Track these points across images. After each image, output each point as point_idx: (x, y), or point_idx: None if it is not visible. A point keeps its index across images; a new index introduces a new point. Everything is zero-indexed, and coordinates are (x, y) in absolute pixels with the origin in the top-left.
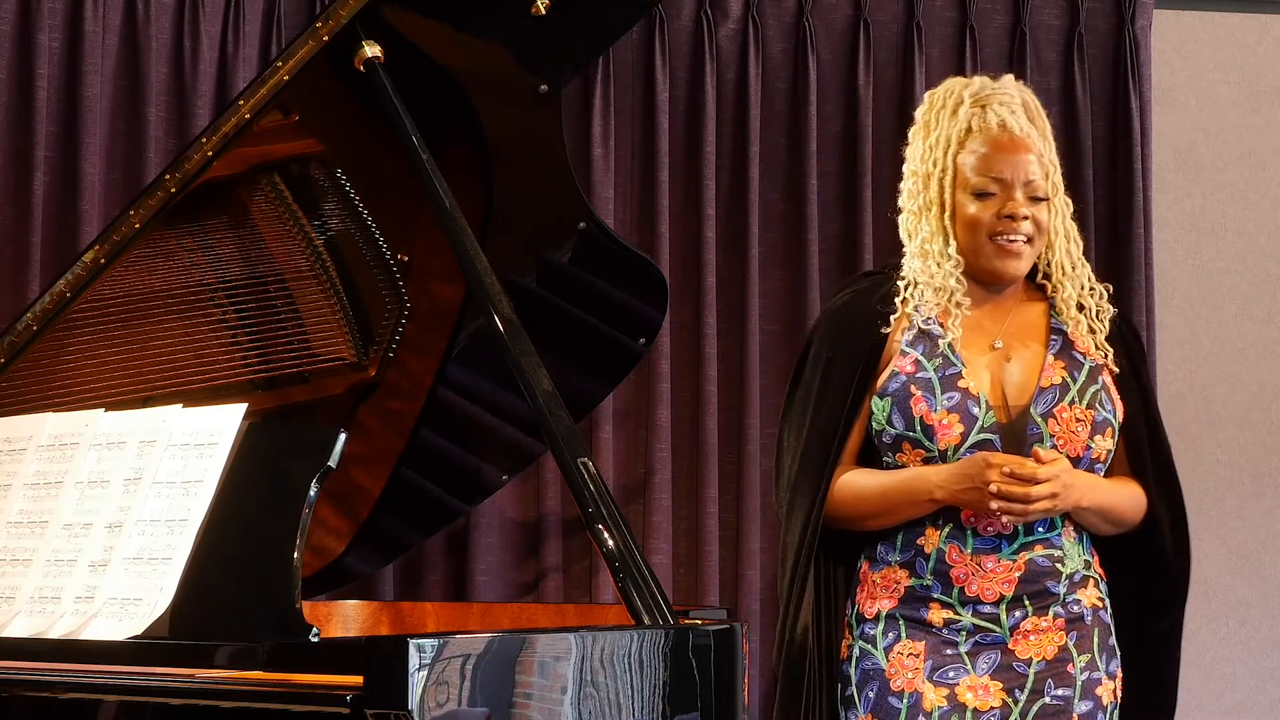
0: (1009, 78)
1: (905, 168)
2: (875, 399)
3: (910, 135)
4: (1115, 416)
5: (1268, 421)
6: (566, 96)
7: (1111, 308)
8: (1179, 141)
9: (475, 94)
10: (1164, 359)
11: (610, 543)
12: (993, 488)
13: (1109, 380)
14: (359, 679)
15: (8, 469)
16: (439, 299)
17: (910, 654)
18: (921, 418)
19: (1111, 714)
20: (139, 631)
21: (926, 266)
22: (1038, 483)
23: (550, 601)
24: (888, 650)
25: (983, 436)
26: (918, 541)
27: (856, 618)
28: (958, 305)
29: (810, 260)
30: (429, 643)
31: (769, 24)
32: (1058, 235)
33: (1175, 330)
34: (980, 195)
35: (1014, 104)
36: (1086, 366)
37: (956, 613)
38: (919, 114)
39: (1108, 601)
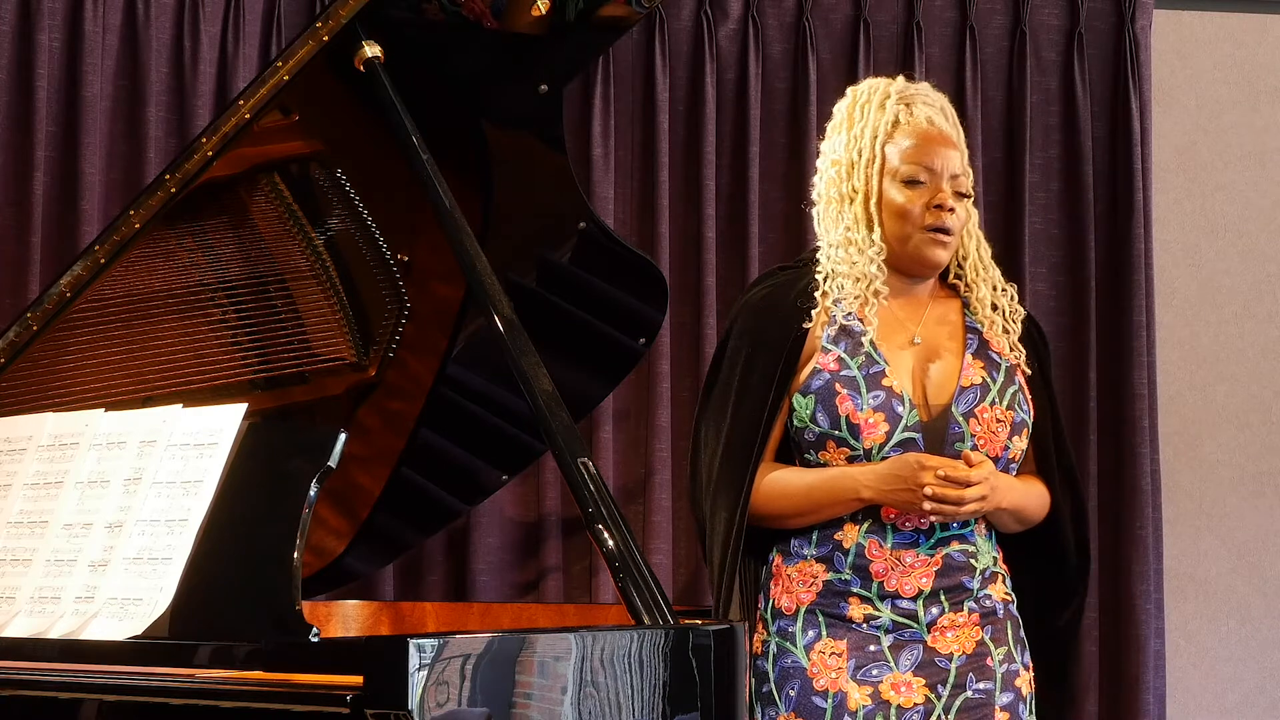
0: (926, 84)
1: (822, 161)
2: (797, 396)
3: (829, 130)
4: (1030, 417)
5: (1268, 421)
6: (566, 96)
7: (1022, 309)
8: (1179, 141)
9: (475, 94)
10: (1164, 359)
11: (610, 543)
12: (927, 490)
13: (1023, 382)
14: (359, 679)
15: (8, 469)
16: (439, 299)
17: (833, 653)
18: (848, 416)
19: (1030, 704)
20: (139, 631)
21: (848, 255)
22: (970, 485)
23: (550, 601)
24: (808, 648)
25: (906, 435)
26: (835, 536)
27: (772, 612)
28: (875, 294)
29: None
30: (429, 643)
31: (769, 24)
32: (971, 238)
33: (1175, 330)
34: (910, 183)
35: (936, 106)
36: (1004, 367)
37: (876, 608)
38: (840, 108)
39: (1014, 595)
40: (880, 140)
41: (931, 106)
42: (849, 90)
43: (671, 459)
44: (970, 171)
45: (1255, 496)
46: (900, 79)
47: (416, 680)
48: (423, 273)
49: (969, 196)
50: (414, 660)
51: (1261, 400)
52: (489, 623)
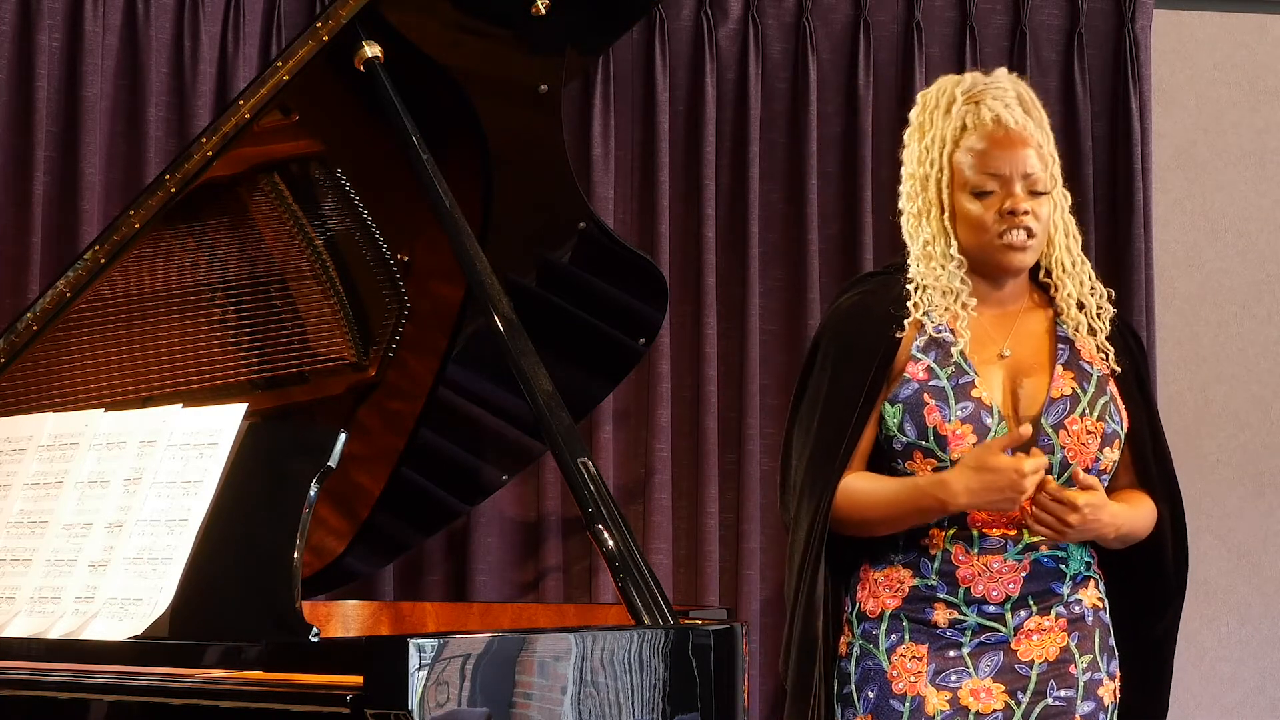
0: (1002, 71)
1: (903, 170)
2: (886, 405)
3: (906, 137)
4: (1122, 427)
5: (1268, 421)
6: (566, 96)
7: (1112, 308)
8: (1179, 141)
9: (475, 94)
10: (1164, 359)
11: (610, 543)
12: (1026, 495)
13: (1115, 391)
14: (359, 679)
15: (8, 469)
16: (439, 299)
17: (913, 657)
18: (935, 427)
19: (1112, 714)
20: (139, 631)
21: (931, 269)
22: (1075, 506)
23: (550, 601)
24: (890, 651)
25: None
26: (921, 542)
27: (857, 615)
28: (964, 306)
29: (810, 260)
30: (429, 643)
31: (769, 24)
32: (1057, 230)
33: (1175, 330)
34: (979, 194)
35: (1008, 97)
36: (1095, 377)
37: (962, 613)
38: (913, 115)
39: (1106, 601)
40: (948, 150)
41: (1000, 99)
42: (919, 96)
43: (671, 459)
44: (1053, 158)
45: (1255, 496)
46: (972, 75)
47: (416, 680)
48: (423, 273)
49: (1046, 193)
50: (414, 660)
51: (1261, 400)
52: (489, 623)
